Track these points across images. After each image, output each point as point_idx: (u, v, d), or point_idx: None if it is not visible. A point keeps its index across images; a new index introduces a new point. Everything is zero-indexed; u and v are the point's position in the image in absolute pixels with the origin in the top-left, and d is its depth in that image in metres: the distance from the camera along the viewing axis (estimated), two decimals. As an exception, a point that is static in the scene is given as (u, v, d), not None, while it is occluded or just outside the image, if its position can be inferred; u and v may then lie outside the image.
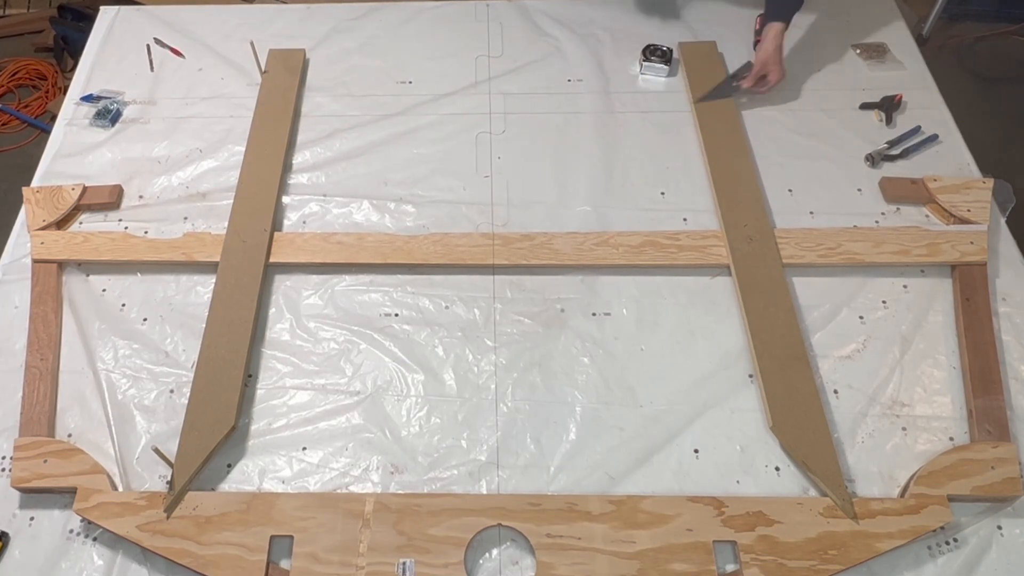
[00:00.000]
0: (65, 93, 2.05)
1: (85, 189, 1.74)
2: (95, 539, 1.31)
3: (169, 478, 1.34)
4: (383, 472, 1.38)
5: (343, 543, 1.27)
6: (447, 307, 1.58)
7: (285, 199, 1.77)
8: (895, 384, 1.46)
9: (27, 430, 1.41)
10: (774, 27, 1.86)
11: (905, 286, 1.59)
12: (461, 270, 1.62)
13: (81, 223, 1.73)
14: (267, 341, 1.55)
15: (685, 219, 1.71)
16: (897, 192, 1.71)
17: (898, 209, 1.71)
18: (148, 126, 1.93)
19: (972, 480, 1.30)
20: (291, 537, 1.28)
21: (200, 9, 2.24)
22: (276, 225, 1.69)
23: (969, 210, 1.64)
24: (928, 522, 1.26)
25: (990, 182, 1.68)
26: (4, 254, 1.69)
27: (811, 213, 1.70)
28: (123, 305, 1.60)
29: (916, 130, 1.84)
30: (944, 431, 1.40)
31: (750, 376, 1.47)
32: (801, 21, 2.11)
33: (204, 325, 1.52)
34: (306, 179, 1.82)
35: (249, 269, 1.60)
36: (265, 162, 1.79)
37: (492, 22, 2.16)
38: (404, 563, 1.25)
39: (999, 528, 1.29)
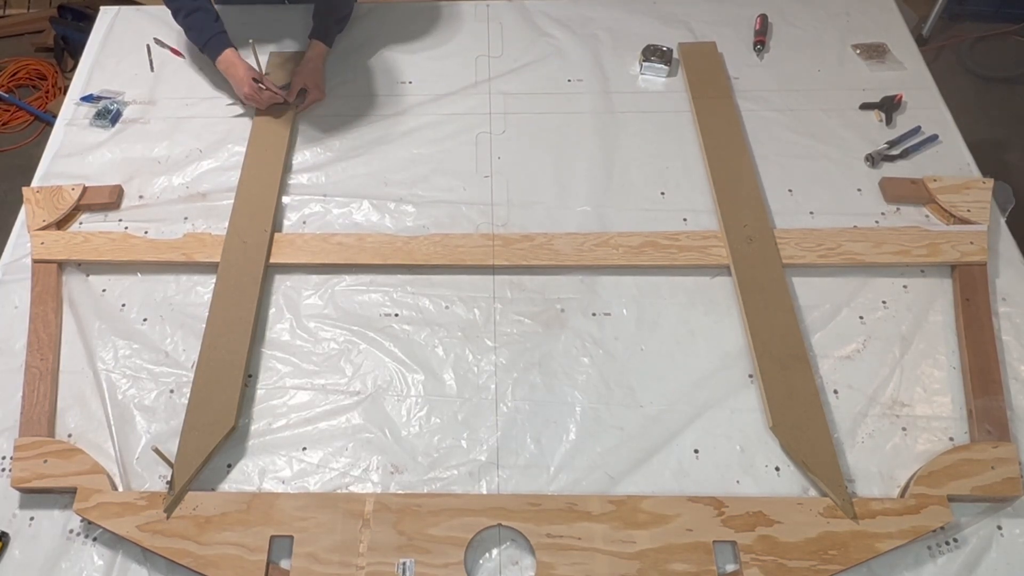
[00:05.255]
0: (65, 93, 2.05)
1: (85, 189, 1.74)
2: (95, 539, 1.31)
3: (169, 478, 1.34)
4: (383, 472, 1.38)
5: (343, 543, 1.27)
6: (447, 307, 1.58)
7: (285, 199, 1.77)
8: (895, 384, 1.46)
9: (27, 430, 1.41)
10: (317, 46, 1.95)
11: (905, 286, 1.59)
12: (461, 270, 1.62)
13: (81, 223, 1.73)
14: (267, 341, 1.55)
15: (685, 219, 1.71)
16: (897, 192, 1.71)
17: (898, 209, 1.71)
18: (148, 126, 1.93)
19: (972, 480, 1.30)
20: (291, 537, 1.28)
21: (200, 9, 2.23)
22: (276, 225, 1.69)
23: (969, 210, 1.64)
24: (928, 522, 1.26)
25: (990, 182, 1.68)
26: (4, 254, 1.69)
27: (811, 213, 1.70)
28: (123, 305, 1.60)
29: (916, 130, 1.84)
30: (944, 431, 1.40)
31: (750, 376, 1.47)
32: (801, 21, 2.12)
33: (204, 325, 1.52)
34: (306, 179, 1.82)
35: (249, 269, 1.60)
36: (265, 162, 1.80)
37: (492, 22, 2.16)
38: (404, 563, 1.25)
39: (999, 528, 1.29)
